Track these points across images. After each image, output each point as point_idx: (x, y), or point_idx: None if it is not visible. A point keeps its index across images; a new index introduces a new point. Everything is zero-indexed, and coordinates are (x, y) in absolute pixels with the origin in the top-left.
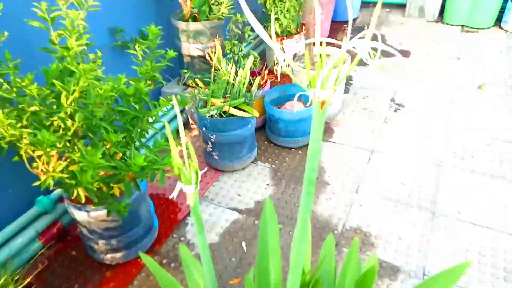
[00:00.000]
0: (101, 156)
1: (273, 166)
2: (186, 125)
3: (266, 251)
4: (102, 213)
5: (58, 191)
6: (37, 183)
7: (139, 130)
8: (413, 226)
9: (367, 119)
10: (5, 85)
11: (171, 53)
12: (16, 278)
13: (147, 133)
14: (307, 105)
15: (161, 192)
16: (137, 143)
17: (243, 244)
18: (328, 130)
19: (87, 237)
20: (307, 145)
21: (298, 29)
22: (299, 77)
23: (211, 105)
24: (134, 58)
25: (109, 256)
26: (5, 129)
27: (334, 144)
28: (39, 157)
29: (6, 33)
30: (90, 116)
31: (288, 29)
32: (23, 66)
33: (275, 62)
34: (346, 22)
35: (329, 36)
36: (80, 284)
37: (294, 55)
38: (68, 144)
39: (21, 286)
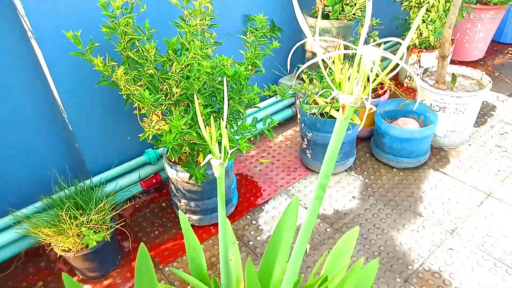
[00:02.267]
0: (189, 124)
1: (366, 180)
2: (294, 118)
3: (278, 246)
4: (186, 175)
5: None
6: (141, 135)
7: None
8: None
9: (496, 158)
10: (140, 48)
11: (275, 44)
12: (112, 207)
13: (242, 113)
14: (424, 126)
15: (250, 174)
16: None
17: (308, 246)
18: (443, 159)
19: (174, 194)
20: (411, 168)
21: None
22: (423, 94)
23: (315, 103)
24: (243, 43)
25: (187, 215)
26: (123, 83)
27: (445, 176)
28: (147, 114)
29: (145, 6)
30: (190, 87)
31: (428, 41)
32: (156, 35)
33: (407, 74)
34: None
35: (483, 58)
36: (160, 232)
37: (426, 70)
38: (171, 108)
39: (116, 214)
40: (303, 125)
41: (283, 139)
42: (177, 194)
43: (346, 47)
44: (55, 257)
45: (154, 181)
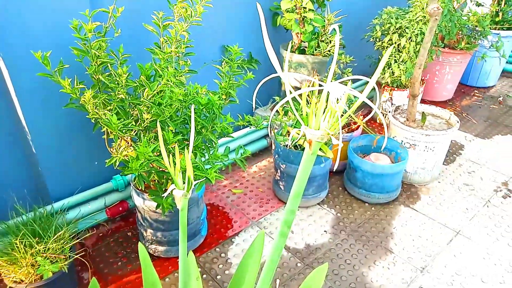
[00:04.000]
0: (158, 151)
1: (338, 214)
2: (268, 149)
3: (241, 283)
4: (154, 204)
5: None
6: (108, 160)
7: (202, 137)
8: None
9: (464, 197)
10: (112, 72)
11: (250, 75)
12: (74, 236)
13: (215, 142)
14: (395, 162)
15: (222, 204)
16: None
17: (277, 281)
18: (413, 195)
19: (140, 223)
20: (382, 203)
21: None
22: (394, 130)
23: (289, 134)
24: (217, 73)
25: (153, 246)
26: (91, 107)
27: (415, 212)
28: (114, 139)
29: (119, 30)
30: (161, 113)
31: (399, 80)
32: (130, 60)
33: (381, 111)
34: (478, 88)
35: (452, 99)
36: (123, 263)
37: (397, 108)
38: (140, 134)
39: (76, 243)
40: (276, 156)
41: (257, 170)
42: (143, 224)
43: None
44: None
45: (120, 208)
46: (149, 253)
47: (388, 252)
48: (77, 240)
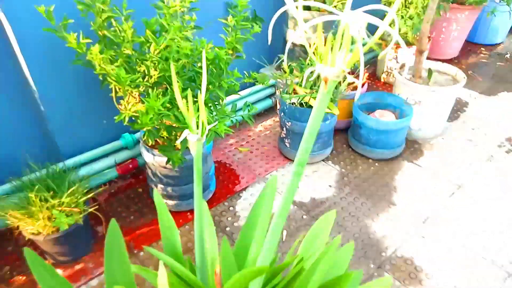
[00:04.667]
0: (167, 107)
1: (343, 170)
2: (273, 109)
3: (254, 223)
4: (163, 160)
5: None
6: (117, 117)
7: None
8: (476, 280)
9: (467, 152)
10: (117, 28)
11: (257, 29)
12: (85, 191)
13: (222, 99)
14: (399, 119)
15: (229, 162)
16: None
17: (284, 232)
18: (417, 152)
19: (150, 179)
20: (386, 159)
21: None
22: (399, 87)
23: (295, 93)
24: (224, 28)
25: (164, 201)
26: (98, 62)
27: (418, 168)
28: (123, 95)
29: None
30: (168, 68)
31: (405, 37)
32: (134, 16)
33: (384, 70)
34: (485, 46)
35: (458, 57)
36: (135, 217)
37: (403, 65)
38: (148, 90)
39: (89, 198)
40: (282, 114)
41: (262, 129)
42: (153, 179)
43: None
44: (24, 241)
45: (130, 166)
46: None
47: (391, 205)
48: (90, 195)
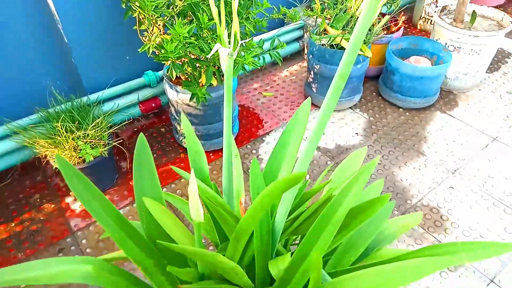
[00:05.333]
0: (191, 34)
1: (371, 118)
2: (300, 53)
3: (285, 144)
4: (187, 96)
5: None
6: (141, 48)
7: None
8: (504, 230)
9: (506, 105)
10: None
11: None
12: (111, 127)
13: (250, 32)
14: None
15: (252, 106)
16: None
17: (307, 177)
18: (451, 102)
19: (173, 117)
20: (418, 109)
21: None
22: (438, 32)
23: (325, 34)
24: None
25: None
26: None
27: (452, 118)
28: (147, 26)
29: None
30: None
31: None
32: None
33: (422, 16)
34: None
35: (503, 4)
36: (158, 155)
37: (443, 8)
38: (173, 21)
39: (113, 133)
40: (311, 56)
41: (288, 74)
42: (177, 118)
43: None
44: (51, 171)
45: (153, 105)
46: (183, 147)
47: (420, 154)
48: (114, 130)
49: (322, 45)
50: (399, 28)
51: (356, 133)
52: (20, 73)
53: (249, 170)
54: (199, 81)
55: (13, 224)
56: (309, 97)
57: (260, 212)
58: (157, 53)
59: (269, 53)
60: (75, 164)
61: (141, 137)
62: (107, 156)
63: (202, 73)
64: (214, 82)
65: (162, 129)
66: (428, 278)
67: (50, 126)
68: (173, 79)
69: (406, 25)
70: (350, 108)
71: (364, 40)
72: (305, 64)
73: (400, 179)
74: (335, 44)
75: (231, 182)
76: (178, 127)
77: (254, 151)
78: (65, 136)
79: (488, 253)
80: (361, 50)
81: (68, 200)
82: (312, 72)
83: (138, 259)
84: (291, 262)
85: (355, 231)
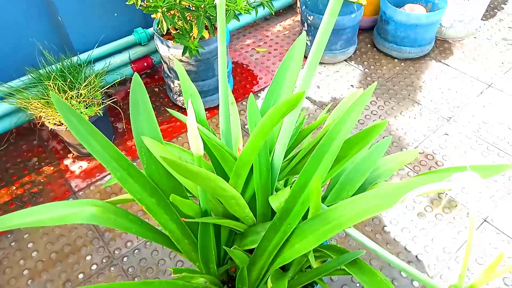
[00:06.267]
0: None
1: (366, 70)
2: (292, 7)
3: (282, 77)
4: (179, 52)
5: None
6: (129, 1)
7: None
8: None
9: (501, 51)
10: None
11: None
12: (102, 85)
13: None
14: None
15: (246, 63)
16: None
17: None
18: (446, 51)
19: (166, 74)
20: (413, 58)
21: None
22: None
23: None
24: None
25: (181, 98)
26: None
27: (446, 67)
28: None
29: None
30: None
31: None
32: None
33: None
34: None
35: None
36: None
37: None
38: None
39: (106, 92)
40: (304, 7)
41: (281, 29)
42: (170, 75)
43: None
44: (47, 135)
45: (145, 64)
46: (177, 105)
47: (416, 103)
48: (107, 89)
49: None
50: None
51: (352, 85)
52: (6, 34)
53: (245, 126)
54: (191, 35)
55: (14, 188)
56: (304, 32)
57: (261, 140)
58: (145, 6)
59: (261, 2)
60: None
61: (136, 77)
62: (102, 115)
63: (193, 26)
64: (206, 34)
65: (156, 89)
66: (424, 220)
67: (42, 87)
68: (164, 34)
69: None
70: (345, 60)
71: None
72: (298, 18)
73: (396, 128)
74: None
75: (229, 126)
76: (172, 85)
77: None
78: (58, 95)
79: (484, 174)
80: None
81: (67, 162)
82: (305, 24)
83: (140, 198)
84: (291, 193)
85: (353, 166)
